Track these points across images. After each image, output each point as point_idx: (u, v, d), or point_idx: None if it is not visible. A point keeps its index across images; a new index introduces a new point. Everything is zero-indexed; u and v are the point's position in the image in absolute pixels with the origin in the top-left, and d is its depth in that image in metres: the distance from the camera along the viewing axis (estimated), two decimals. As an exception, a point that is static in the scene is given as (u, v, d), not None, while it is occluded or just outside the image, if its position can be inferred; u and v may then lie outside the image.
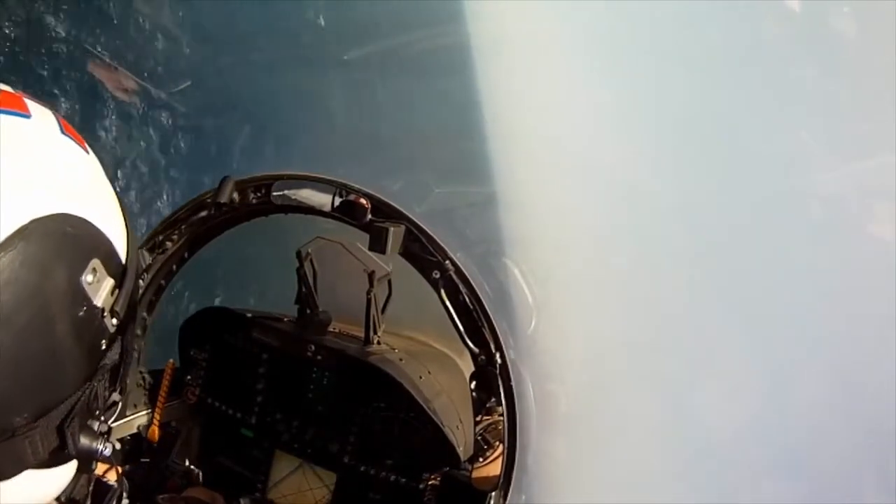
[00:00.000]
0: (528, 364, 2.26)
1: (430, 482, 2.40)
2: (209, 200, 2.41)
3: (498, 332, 2.15)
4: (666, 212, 2.39)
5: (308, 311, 2.66)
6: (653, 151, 2.35)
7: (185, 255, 2.57)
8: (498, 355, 2.14)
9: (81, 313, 0.95)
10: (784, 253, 2.20)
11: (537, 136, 2.60)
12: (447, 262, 2.19)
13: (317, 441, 2.55)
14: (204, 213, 2.46)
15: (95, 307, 0.98)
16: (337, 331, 2.73)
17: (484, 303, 2.17)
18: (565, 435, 2.38)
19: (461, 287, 2.17)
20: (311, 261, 2.60)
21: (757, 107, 2.18)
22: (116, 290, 1.02)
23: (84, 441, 1.02)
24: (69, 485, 1.11)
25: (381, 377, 2.39)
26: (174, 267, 2.59)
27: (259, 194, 2.43)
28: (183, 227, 2.49)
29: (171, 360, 2.61)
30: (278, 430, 2.59)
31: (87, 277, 0.95)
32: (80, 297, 0.95)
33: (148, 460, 2.59)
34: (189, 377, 2.68)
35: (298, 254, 2.58)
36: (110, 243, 1.01)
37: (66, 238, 0.93)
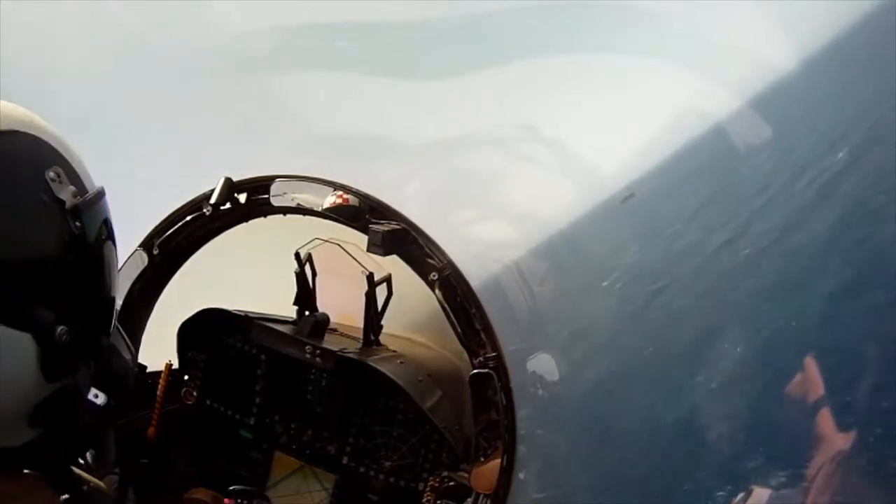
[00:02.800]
0: (527, 364, 2.26)
1: (429, 483, 2.40)
2: (207, 202, 2.42)
3: (496, 332, 2.16)
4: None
5: (307, 313, 2.66)
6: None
7: (183, 256, 2.58)
8: (496, 356, 2.15)
9: (44, 197, 1.14)
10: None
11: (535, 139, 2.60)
12: (444, 263, 2.19)
13: (316, 442, 2.55)
14: (201, 215, 2.46)
15: (57, 198, 1.16)
16: (336, 332, 2.73)
17: (482, 303, 2.17)
18: (565, 434, 2.38)
19: (458, 288, 2.17)
20: (310, 262, 2.60)
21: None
22: (79, 198, 1.20)
23: (42, 311, 1.12)
24: (36, 395, 1.15)
25: (379, 379, 2.39)
26: (171, 268, 2.59)
27: (257, 195, 2.44)
28: (180, 228, 2.50)
29: (170, 361, 2.61)
30: (277, 431, 2.59)
31: (50, 174, 1.16)
32: (43, 183, 1.15)
33: (147, 461, 2.59)
34: (187, 378, 2.68)
35: (297, 255, 2.58)
36: (75, 171, 1.23)
37: (35, 145, 1.17)
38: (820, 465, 1.93)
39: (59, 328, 1.14)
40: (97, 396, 1.32)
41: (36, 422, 1.18)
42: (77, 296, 1.20)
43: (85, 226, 1.19)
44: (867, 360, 2.09)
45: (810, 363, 2.00)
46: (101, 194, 1.28)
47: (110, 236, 1.30)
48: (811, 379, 1.97)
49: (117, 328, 1.38)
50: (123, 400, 1.55)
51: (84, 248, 1.20)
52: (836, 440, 1.92)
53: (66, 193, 1.17)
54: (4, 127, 1.14)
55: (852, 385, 2.07)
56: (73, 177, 1.22)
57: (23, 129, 1.16)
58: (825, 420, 1.94)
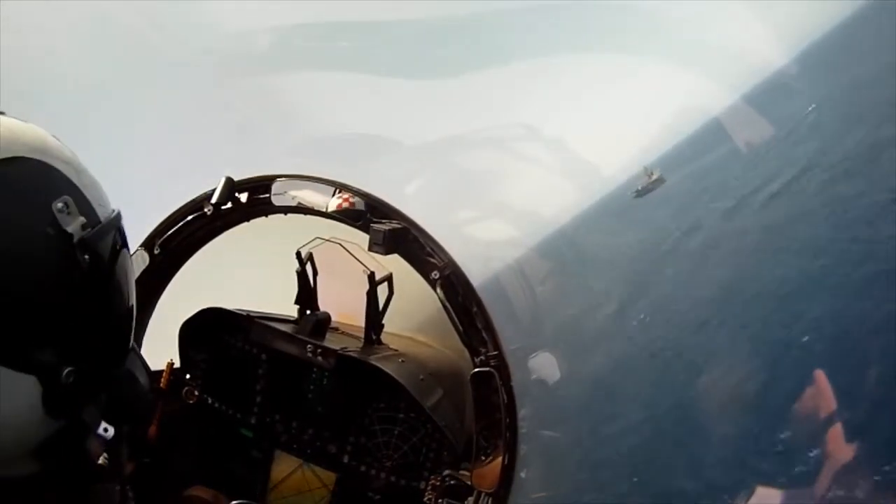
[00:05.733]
0: (528, 363, 2.26)
1: (430, 482, 2.40)
2: (208, 201, 2.42)
3: (497, 331, 2.16)
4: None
5: (308, 312, 2.67)
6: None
7: (184, 256, 2.58)
8: (497, 354, 2.15)
9: (50, 231, 1.08)
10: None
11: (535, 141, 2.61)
12: (446, 262, 2.19)
13: (316, 441, 2.55)
14: (202, 214, 2.46)
15: (63, 231, 1.09)
16: (337, 331, 2.73)
17: (483, 302, 2.17)
18: (565, 433, 2.38)
19: (460, 287, 2.17)
20: (311, 261, 2.61)
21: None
22: (89, 230, 1.14)
23: (46, 353, 1.07)
24: (38, 434, 1.12)
25: (380, 377, 2.39)
26: (173, 268, 2.60)
27: (258, 195, 2.44)
28: (182, 227, 2.51)
29: (171, 360, 2.61)
30: (278, 430, 2.59)
31: (58, 205, 1.10)
32: (49, 215, 1.08)
33: (148, 460, 2.59)
34: (189, 377, 2.68)
35: (298, 254, 2.58)
36: (86, 199, 1.16)
37: (43, 173, 1.11)
38: (828, 482, 1.88)
39: (65, 370, 1.09)
40: (106, 430, 1.28)
41: (42, 457, 1.14)
42: (85, 334, 1.14)
43: (95, 258, 1.14)
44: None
45: (820, 375, 1.95)
46: (113, 222, 1.21)
47: (124, 244, 1.25)
48: (822, 392, 1.92)
49: (134, 349, 1.33)
50: (139, 429, 1.52)
51: (93, 282, 1.14)
52: (843, 453, 1.88)
53: (74, 225, 1.11)
54: (10, 153, 1.07)
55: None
56: (84, 205, 1.15)
57: (31, 156, 1.10)
58: (835, 437, 1.88)
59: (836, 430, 1.88)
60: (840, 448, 1.86)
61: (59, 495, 1.23)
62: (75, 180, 1.16)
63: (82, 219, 1.13)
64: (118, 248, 1.21)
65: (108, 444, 1.29)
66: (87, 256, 1.12)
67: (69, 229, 1.10)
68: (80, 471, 1.27)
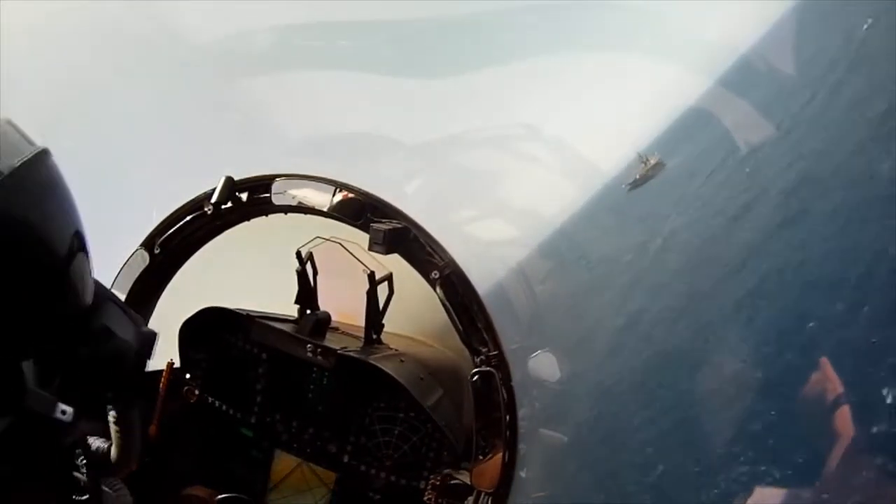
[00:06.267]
0: (527, 362, 2.26)
1: (430, 482, 2.40)
2: (208, 201, 2.43)
3: (497, 330, 2.16)
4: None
5: (308, 311, 2.67)
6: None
7: (184, 255, 2.58)
8: (497, 353, 2.15)
9: None
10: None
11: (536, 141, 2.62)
12: (446, 261, 2.19)
13: (317, 441, 2.55)
14: (203, 213, 2.47)
15: None
16: (337, 331, 2.74)
17: (483, 301, 2.17)
18: (565, 432, 2.38)
19: (459, 286, 2.17)
20: (312, 261, 2.61)
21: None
22: None
23: None
24: None
25: (380, 377, 2.39)
26: (173, 267, 2.60)
27: (258, 194, 2.44)
28: (182, 227, 2.51)
29: (171, 360, 2.61)
30: (278, 429, 2.60)
31: None
32: None
33: (148, 459, 2.59)
34: (189, 376, 2.68)
35: (298, 254, 2.59)
36: None
37: None
38: (837, 460, 1.91)
39: None
40: (64, 413, 1.18)
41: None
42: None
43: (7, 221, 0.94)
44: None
45: (825, 362, 1.96)
46: (24, 170, 0.99)
47: (51, 184, 1.05)
48: (829, 377, 1.94)
49: (115, 303, 1.26)
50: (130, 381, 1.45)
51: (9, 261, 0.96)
52: (851, 435, 1.90)
53: None
54: None
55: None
56: None
57: None
58: (843, 417, 1.90)
59: (845, 411, 1.89)
60: (849, 428, 1.88)
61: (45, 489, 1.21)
62: None
63: None
64: (37, 218, 1.02)
65: (82, 417, 1.22)
66: None
67: None
68: (51, 461, 1.24)
